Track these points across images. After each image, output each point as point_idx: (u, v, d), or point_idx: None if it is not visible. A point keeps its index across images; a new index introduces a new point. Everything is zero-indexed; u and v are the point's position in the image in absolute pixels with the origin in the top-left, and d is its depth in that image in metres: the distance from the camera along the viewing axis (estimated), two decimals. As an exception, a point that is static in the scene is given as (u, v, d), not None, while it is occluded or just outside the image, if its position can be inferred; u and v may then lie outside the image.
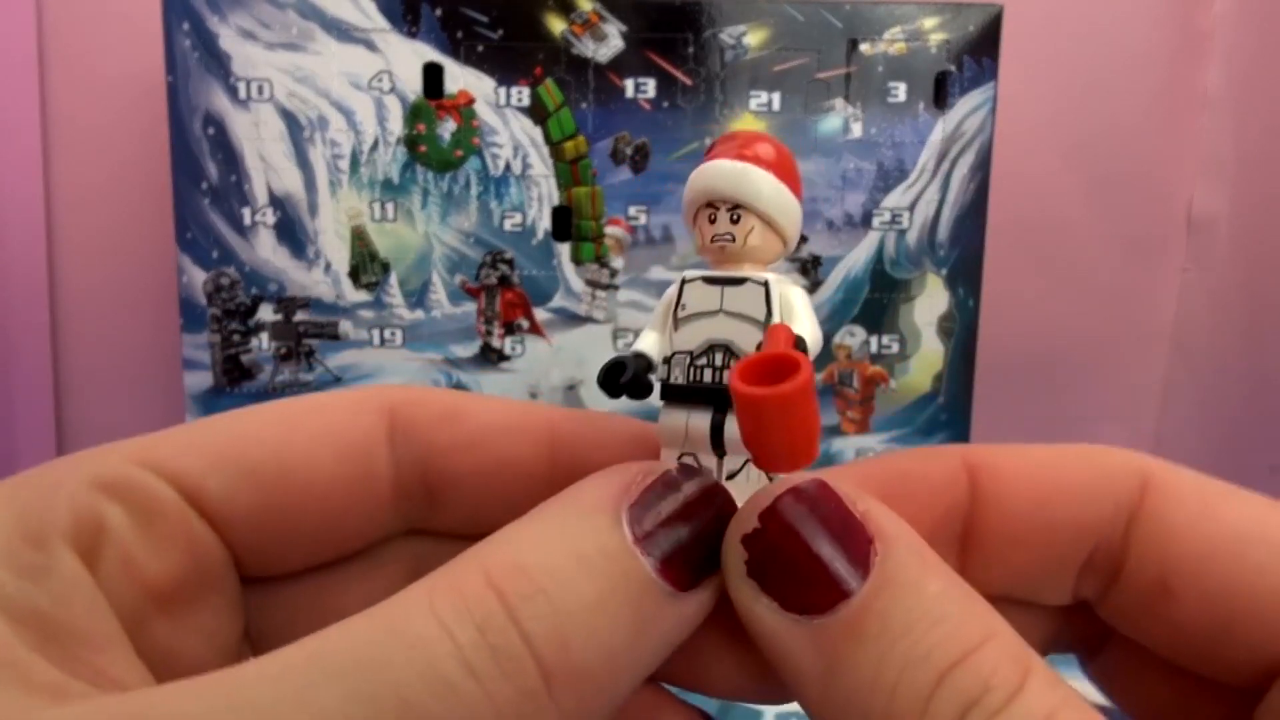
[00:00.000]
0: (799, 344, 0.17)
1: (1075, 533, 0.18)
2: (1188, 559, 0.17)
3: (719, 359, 0.18)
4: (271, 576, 0.19)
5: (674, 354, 0.18)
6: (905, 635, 0.14)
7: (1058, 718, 0.14)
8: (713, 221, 0.18)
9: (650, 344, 0.19)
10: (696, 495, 0.16)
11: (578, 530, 0.15)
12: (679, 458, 0.18)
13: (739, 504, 0.17)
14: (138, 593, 0.16)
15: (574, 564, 0.14)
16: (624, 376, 0.18)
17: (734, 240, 0.18)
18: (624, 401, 0.19)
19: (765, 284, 0.18)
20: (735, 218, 0.18)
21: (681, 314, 0.18)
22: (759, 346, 0.18)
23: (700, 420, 0.18)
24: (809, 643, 0.15)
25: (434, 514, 0.20)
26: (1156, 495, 0.17)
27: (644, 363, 0.19)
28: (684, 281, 0.19)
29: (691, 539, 0.16)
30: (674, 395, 0.18)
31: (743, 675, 0.17)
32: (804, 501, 0.16)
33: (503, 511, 0.18)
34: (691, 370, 0.18)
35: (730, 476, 0.18)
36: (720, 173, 0.18)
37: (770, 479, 0.18)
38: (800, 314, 0.18)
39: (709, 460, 0.18)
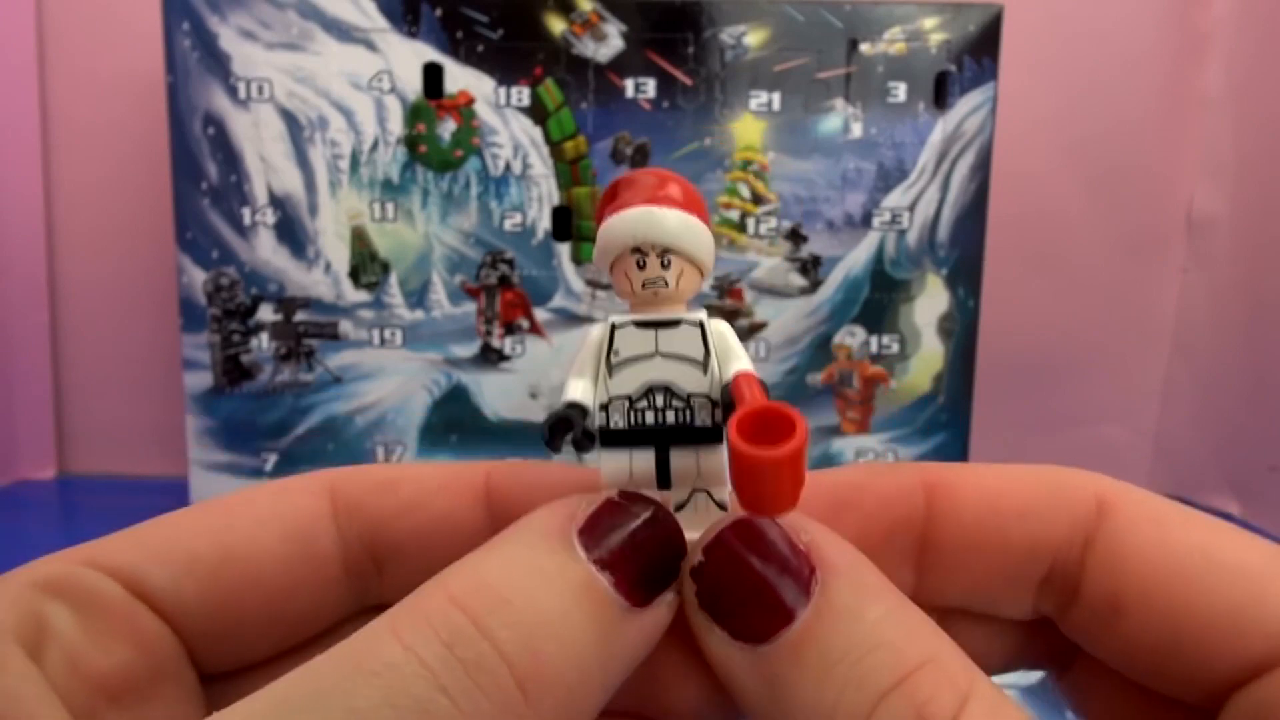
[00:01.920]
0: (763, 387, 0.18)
1: (1030, 550, 0.18)
2: (1138, 580, 0.17)
3: (659, 400, 0.18)
4: (232, 671, 0.19)
5: (611, 399, 0.18)
6: (842, 660, 0.15)
7: None
8: (641, 267, 0.18)
9: (582, 391, 0.19)
10: (643, 517, 0.17)
11: (535, 550, 0.15)
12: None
13: (687, 534, 0.18)
14: (87, 689, 0.16)
15: (536, 578, 0.15)
16: (573, 434, 0.18)
17: (668, 285, 0.18)
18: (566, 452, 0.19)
19: (700, 324, 0.19)
20: (665, 262, 0.18)
21: (615, 359, 0.18)
22: (725, 393, 0.18)
23: (644, 459, 0.18)
24: (754, 669, 0.16)
25: (385, 586, 0.20)
26: (1112, 518, 0.18)
27: (583, 414, 0.19)
28: (614, 327, 0.19)
29: (642, 558, 0.16)
30: (617, 440, 0.18)
31: (706, 699, 0.18)
32: (745, 534, 0.16)
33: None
34: (632, 414, 0.18)
35: (678, 508, 0.18)
36: (649, 220, 0.18)
37: (720, 507, 0.19)
38: (736, 349, 0.19)
39: (654, 495, 0.18)
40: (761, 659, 0.16)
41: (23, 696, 0.15)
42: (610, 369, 0.18)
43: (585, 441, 0.18)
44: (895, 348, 0.58)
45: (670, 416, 0.18)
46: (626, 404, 0.18)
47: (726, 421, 0.18)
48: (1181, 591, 0.17)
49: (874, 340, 0.58)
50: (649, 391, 0.18)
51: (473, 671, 0.13)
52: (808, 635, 0.15)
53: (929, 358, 0.58)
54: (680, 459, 0.18)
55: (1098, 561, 0.18)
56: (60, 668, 0.16)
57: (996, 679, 0.16)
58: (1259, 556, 0.17)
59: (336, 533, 0.19)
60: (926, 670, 0.15)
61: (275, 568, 0.18)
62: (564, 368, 0.57)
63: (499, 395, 0.57)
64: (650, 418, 0.18)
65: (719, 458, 0.19)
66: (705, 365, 0.18)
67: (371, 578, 0.20)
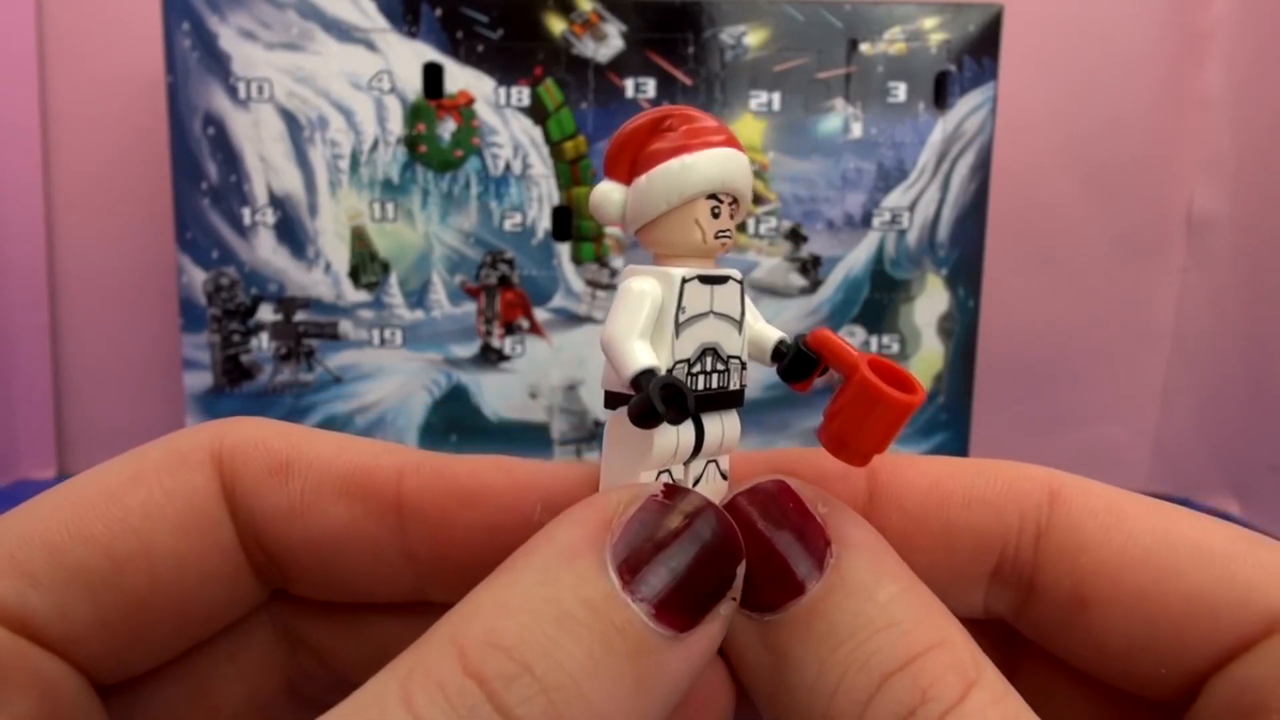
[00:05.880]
0: None
1: (977, 541, 0.17)
2: (1100, 569, 0.16)
3: (709, 364, 0.17)
4: (135, 677, 0.17)
5: (675, 364, 0.16)
6: (850, 638, 0.14)
7: None
8: (716, 215, 0.17)
9: (652, 356, 0.16)
10: (690, 519, 0.15)
11: (556, 583, 0.13)
12: (656, 475, 0.17)
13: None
14: None
15: (556, 627, 0.13)
16: (690, 406, 0.15)
17: (731, 237, 0.17)
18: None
19: (741, 281, 0.17)
20: (732, 213, 0.17)
21: (683, 319, 0.16)
22: (794, 346, 0.17)
23: (687, 431, 0.17)
24: (760, 639, 0.15)
25: (287, 578, 0.18)
26: (1066, 508, 0.17)
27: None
28: (684, 281, 0.16)
29: (688, 571, 0.14)
30: None
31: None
32: (760, 501, 0.16)
33: (354, 580, 0.17)
34: (689, 380, 0.17)
35: (695, 482, 0.18)
36: (738, 165, 0.16)
37: (724, 476, 0.18)
38: (755, 309, 0.18)
39: (677, 470, 0.17)
40: (769, 630, 0.15)
41: None
42: (678, 329, 0.16)
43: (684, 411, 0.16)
44: (895, 348, 0.58)
45: (714, 381, 0.17)
46: (685, 369, 0.17)
47: (786, 375, 0.17)
48: (1148, 578, 0.16)
49: (874, 340, 0.58)
50: (702, 354, 0.17)
51: None
52: (817, 609, 0.15)
53: (929, 358, 0.58)
54: (713, 426, 0.17)
55: (1055, 553, 0.17)
56: None
57: None
58: (1221, 537, 0.16)
59: (230, 518, 0.17)
60: (935, 653, 0.14)
61: (175, 568, 0.16)
62: (564, 368, 0.57)
63: (499, 395, 0.57)
64: (701, 383, 0.17)
65: (737, 423, 0.18)
66: (740, 325, 0.17)
67: (272, 569, 0.18)
